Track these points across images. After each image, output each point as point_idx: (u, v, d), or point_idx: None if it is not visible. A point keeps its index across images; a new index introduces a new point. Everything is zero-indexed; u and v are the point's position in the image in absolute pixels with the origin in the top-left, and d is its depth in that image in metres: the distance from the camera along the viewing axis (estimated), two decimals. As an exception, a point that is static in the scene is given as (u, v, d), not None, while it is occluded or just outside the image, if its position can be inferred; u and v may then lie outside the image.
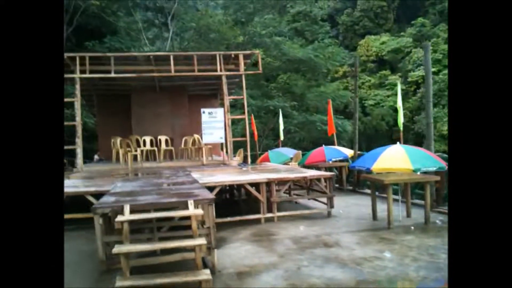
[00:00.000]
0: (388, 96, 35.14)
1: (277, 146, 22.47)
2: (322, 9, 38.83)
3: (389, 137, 34.78)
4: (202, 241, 4.25)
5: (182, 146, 12.82)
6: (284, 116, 21.39)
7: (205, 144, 11.62)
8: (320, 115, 24.51)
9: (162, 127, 13.58)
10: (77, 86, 11.00)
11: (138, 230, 5.14)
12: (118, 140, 12.06)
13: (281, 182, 7.76)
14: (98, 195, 6.95)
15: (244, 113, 11.80)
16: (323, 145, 11.68)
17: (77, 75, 10.83)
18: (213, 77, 13.48)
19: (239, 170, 9.87)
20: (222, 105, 15.90)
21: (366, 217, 7.53)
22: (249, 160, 11.93)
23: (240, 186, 8.04)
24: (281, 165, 11.97)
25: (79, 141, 10.99)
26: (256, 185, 7.53)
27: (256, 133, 15.44)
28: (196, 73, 11.24)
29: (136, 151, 11.45)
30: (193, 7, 24.67)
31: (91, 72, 10.87)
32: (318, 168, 10.64)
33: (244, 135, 17.68)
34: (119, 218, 4.28)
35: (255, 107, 22.50)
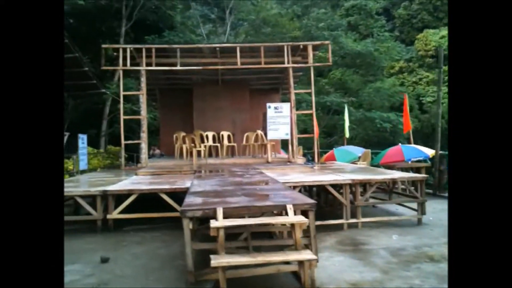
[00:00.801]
0: (447, 93, 33.04)
1: (332, 145, 21.59)
2: (377, 2, 37.32)
3: (447, 136, 32.84)
4: (311, 255, 3.60)
5: (244, 142, 12.26)
6: (340, 113, 20.48)
7: (270, 141, 11.01)
8: (378, 111, 23.35)
9: (223, 122, 13.12)
10: (143, 79, 10.71)
11: (229, 235, 4.58)
12: (182, 135, 11.70)
13: (365, 184, 6.99)
14: (172, 193, 6.52)
15: (311, 108, 11.08)
16: (399, 144, 10.74)
17: (143, 67, 10.53)
18: (276, 71, 12.92)
19: (310, 169, 9.17)
20: (284, 100, 15.31)
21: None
22: (316, 158, 11.16)
23: (319, 187, 7.32)
24: (349, 164, 11.15)
25: (144, 135, 10.73)
26: (339, 186, 6.81)
27: (317, 130, 14.62)
28: (263, 66, 10.65)
29: (200, 146, 11.02)
30: (249, 0, 24.10)
31: (156, 65, 10.54)
32: (392, 169, 9.74)
33: (305, 132, 17.04)
34: (214, 223, 3.71)
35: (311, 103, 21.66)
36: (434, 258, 5.10)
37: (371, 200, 7.03)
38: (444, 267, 4.76)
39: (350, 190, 6.81)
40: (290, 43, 10.92)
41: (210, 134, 12.03)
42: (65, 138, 15.31)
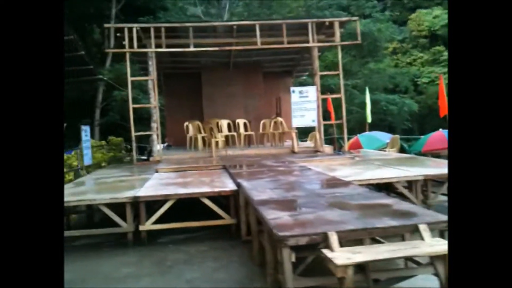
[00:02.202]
0: (444, 73, 32.33)
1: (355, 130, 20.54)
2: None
3: (444, 117, 32.35)
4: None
5: (261, 130, 11.12)
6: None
7: (296, 128, 9.92)
8: (381, 93, 22.45)
9: (235, 109, 11.95)
10: (152, 62, 9.42)
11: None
12: (196, 123, 10.50)
13: (437, 179, 5.98)
14: (216, 198, 5.41)
15: (340, 91, 10.00)
16: (440, 129, 9.78)
17: (152, 49, 9.22)
18: (293, 51, 11.77)
19: (350, 160, 8.14)
20: (300, 84, 14.15)
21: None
22: (346, 146, 10.12)
23: (382, 185, 6.26)
24: (382, 151, 10.18)
25: (155, 125, 9.49)
26: (408, 183, 5.80)
27: (333, 115, 13.60)
28: (285, 45, 9.48)
29: (217, 136, 9.84)
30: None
31: (166, 46, 9.26)
32: (438, 157, 8.79)
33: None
34: (340, 260, 2.63)
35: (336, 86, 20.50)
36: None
37: (442, 198, 6.05)
38: None
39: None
40: (315, 20, 9.72)
41: (225, 122, 10.86)
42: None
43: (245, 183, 5.19)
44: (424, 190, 5.88)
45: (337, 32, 9.59)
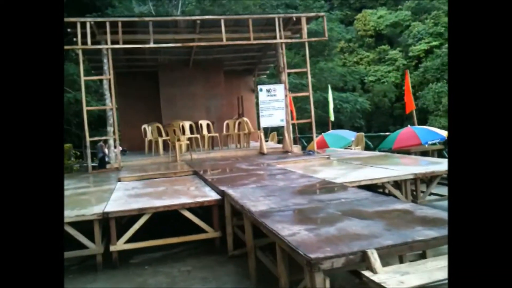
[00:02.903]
0: (389, 72, 33.41)
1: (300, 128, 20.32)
2: (314, -18, 36.64)
3: (389, 114, 33.30)
4: None
5: (224, 131, 10.55)
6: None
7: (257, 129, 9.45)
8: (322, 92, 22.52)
9: (196, 110, 11.27)
10: (106, 60, 8.56)
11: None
12: (155, 126, 9.73)
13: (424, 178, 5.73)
14: (195, 209, 4.81)
15: (307, 88, 9.65)
16: (409, 126, 9.72)
17: (108, 45, 8.35)
18: (255, 49, 11.30)
19: (327, 160, 7.79)
20: (259, 82, 13.69)
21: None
22: (315, 146, 9.76)
23: (371, 186, 5.90)
24: (350, 150, 9.97)
25: (111, 129, 8.63)
26: (396, 183, 5.50)
27: (295, 114, 13.27)
28: (252, 41, 8.98)
29: (181, 139, 9.14)
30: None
31: (123, 43, 8.44)
32: (408, 154, 8.68)
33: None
34: (392, 285, 2.16)
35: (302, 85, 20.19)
36: None
37: (431, 197, 5.82)
38: None
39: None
40: (282, 15, 9.31)
41: (187, 124, 10.16)
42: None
43: (230, 191, 4.62)
44: (413, 189, 5.63)
45: (305, 28, 9.23)
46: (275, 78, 19.61)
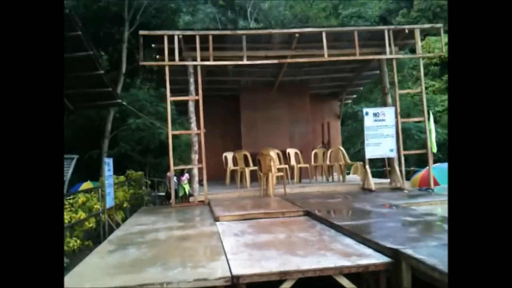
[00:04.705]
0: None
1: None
2: (373, 11, 35.56)
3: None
4: None
5: (312, 161, 9.10)
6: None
7: (368, 160, 7.90)
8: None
9: (279, 137, 9.96)
10: (193, 80, 7.48)
11: None
12: (242, 155, 8.48)
13: None
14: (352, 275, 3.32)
15: (423, 113, 8.08)
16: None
17: (197, 62, 7.26)
18: (347, 69, 9.91)
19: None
20: (343, 106, 12.23)
21: None
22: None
23: None
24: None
25: (196, 157, 7.43)
26: None
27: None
28: (358, 57, 7.62)
29: (273, 170, 7.76)
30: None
31: (211, 58, 7.33)
32: None
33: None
34: None
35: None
36: None
37: None
38: None
39: None
40: (392, 27, 7.91)
41: (274, 152, 8.81)
42: (73, 162, 11.75)
43: (410, 252, 3.10)
44: None
45: (418, 42, 7.77)
46: (361, 103, 18.05)
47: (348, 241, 3.95)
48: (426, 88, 35.25)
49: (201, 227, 5.06)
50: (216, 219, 5.38)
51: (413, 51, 8.30)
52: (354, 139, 20.60)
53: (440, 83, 33.42)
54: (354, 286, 3.21)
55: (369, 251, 3.54)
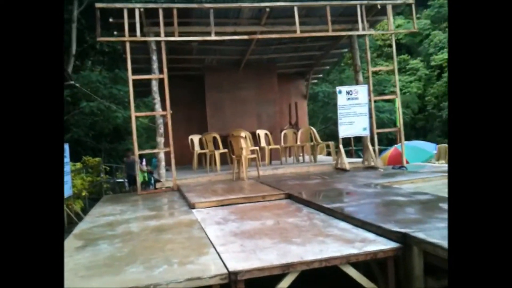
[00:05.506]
0: (410, 82, 31.87)
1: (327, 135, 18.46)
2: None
3: (411, 126, 31.59)
4: None
5: (282, 142, 8.80)
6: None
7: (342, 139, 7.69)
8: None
9: (246, 118, 9.55)
10: (156, 58, 6.87)
11: None
12: (210, 137, 7.99)
13: None
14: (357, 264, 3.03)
15: (395, 90, 7.96)
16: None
17: (161, 37, 6.64)
18: (315, 47, 9.61)
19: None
20: (308, 87, 11.94)
21: None
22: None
23: None
24: (430, 164, 8.22)
25: (162, 140, 6.88)
26: None
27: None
28: (331, 33, 7.31)
29: (246, 152, 7.35)
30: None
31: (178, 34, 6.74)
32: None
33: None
34: None
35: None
36: None
37: None
38: None
39: None
40: (365, 2, 7.62)
41: (243, 133, 8.39)
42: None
43: (421, 235, 2.83)
44: None
45: (391, 18, 7.59)
46: (327, 82, 17.83)
47: (344, 225, 3.65)
48: (380, 69, 36.06)
49: (177, 216, 4.58)
50: (192, 206, 4.93)
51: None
52: (313, 120, 20.55)
53: (392, 65, 34.17)
54: (363, 276, 2.90)
55: (371, 235, 3.25)
